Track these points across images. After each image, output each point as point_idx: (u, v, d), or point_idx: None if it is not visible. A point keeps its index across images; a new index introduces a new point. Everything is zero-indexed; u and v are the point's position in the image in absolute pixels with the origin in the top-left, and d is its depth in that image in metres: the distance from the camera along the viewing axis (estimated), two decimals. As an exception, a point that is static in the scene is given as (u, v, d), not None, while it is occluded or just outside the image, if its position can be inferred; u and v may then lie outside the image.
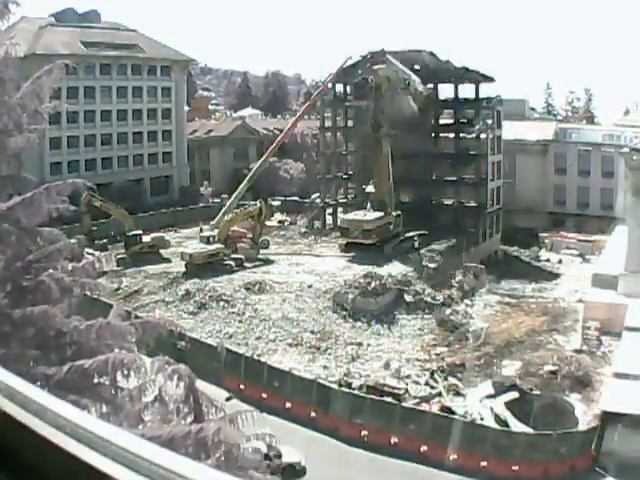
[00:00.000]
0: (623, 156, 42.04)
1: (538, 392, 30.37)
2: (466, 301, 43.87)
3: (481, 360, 35.04)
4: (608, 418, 25.56)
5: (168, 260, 49.95)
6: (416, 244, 49.61)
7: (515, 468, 25.61)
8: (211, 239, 48.62)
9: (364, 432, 27.72)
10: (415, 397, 30.71)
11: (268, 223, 54.54)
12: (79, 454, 1.48)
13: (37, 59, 50.37)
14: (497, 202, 59.44)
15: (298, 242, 57.55)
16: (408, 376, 32.75)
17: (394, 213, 51.45)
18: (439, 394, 31.07)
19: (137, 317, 15.87)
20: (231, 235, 50.32)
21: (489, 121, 58.07)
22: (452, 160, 57.86)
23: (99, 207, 53.70)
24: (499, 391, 30.44)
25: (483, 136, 57.20)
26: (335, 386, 30.74)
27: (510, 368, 33.32)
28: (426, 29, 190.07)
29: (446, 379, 32.41)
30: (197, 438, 9.41)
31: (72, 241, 13.68)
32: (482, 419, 28.29)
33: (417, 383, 32.09)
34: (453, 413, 28.46)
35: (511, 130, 62.31)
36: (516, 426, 27.62)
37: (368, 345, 36.83)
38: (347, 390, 30.43)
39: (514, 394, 29.93)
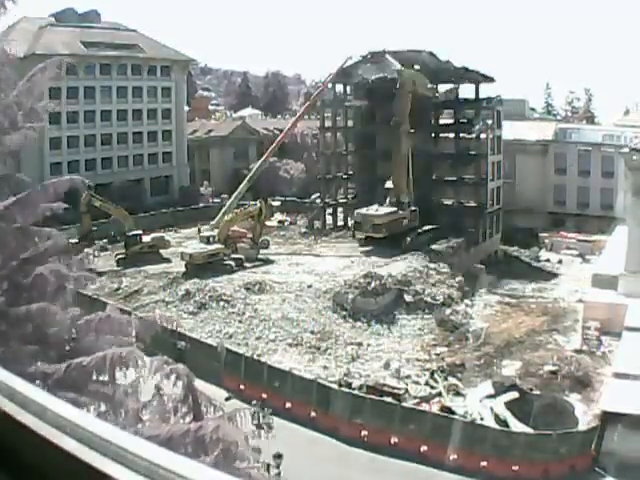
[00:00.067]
0: (623, 156, 42.03)
1: (538, 392, 30.36)
2: (466, 301, 43.86)
3: (481, 360, 35.03)
4: (608, 418, 25.55)
5: (168, 260, 49.96)
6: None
7: (515, 468, 25.62)
8: (211, 239, 48.62)
9: (364, 432, 27.71)
10: (415, 397, 30.70)
11: (268, 223, 54.56)
12: (79, 454, 1.48)
13: (37, 59, 50.18)
14: (497, 202, 59.41)
15: (298, 242, 57.56)
16: (408, 376, 32.74)
17: (412, 208, 52.31)
18: (439, 394, 31.06)
19: (136, 315, 15.86)
20: (231, 235, 50.33)
21: (489, 121, 58.06)
22: (452, 160, 57.85)
23: (99, 207, 53.73)
24: (499, 391, 30.44)
25: (483, 136, 57.17)
26: (335, 386, 30.73)
27: (510, 368, 33.32)
28: (426, 29, 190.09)
29: (446, 379, 32.41)
30: (196, 436, 9.41)
31: (72, 241, 13.71)
32: (482, 419, 28.28)
33: (417, 383, 32.07)
34: (453, 413, 28.45)
35: (511, 130, 62.29)
36: (516, 426, 27.61)
37: (368, 345, 36.82)
38: (347, 390, 30.42)
39: (514, 394, 29.92)
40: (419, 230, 51.27)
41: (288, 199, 70.29)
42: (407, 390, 31.02)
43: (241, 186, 59.20)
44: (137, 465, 1.45)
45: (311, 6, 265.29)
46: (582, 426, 27.48)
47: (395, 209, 51.40)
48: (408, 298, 41.61)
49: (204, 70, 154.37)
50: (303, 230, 61.53)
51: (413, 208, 52.85)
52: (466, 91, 59.08)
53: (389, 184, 52.91)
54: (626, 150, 41.18)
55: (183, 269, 46.19)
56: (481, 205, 56.66)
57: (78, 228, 50.39)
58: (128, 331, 11.31)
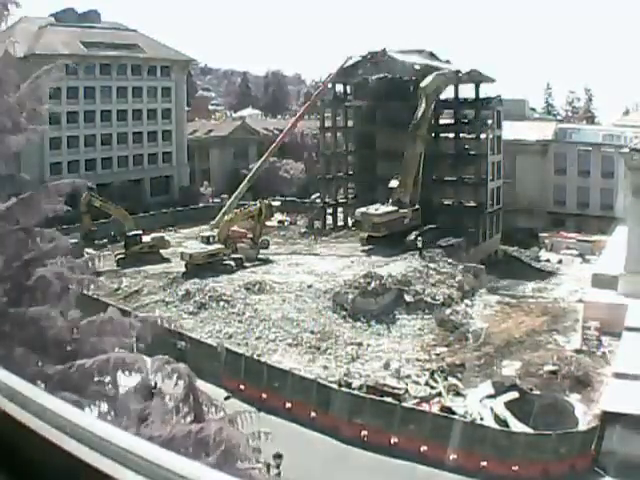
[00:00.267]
0: (623, 156, 42.02)
1: (538, 392, 30.36)
2: (466, 301, 43.84)
3: (481, 360, 35.02)
4: (608, 418, 25.56)
5: (168, 260, 49.95)
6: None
7: (515, 468, 25.62)
8: (211, 239, 48.62)
9: (364, 432, 27.71)
10: (415, 397, 30.70)
11: (268, 223, 54.54)
12: (79, 454, 1.48)
13: (37, 59, 50.35)
14: (497, 202, 59.43)
15: (298, 242, 57.58)
16: (408, 376, 32.74)
17: (414, 207, 52.61)
18: (439, 394, 31.06)
19: (136, 316, 15.85)
20: (231, 235, 50.32)
21: (489, 121, 58.11)
22: (452, 160, 57.89)
23: (99, 207, 53.77)
24: (499, 391, 30.43)
25: (483, 136, 57.23)
26: (335, 386, 30.73)
27: (510, 368, 33.31)
28: (426, 29, 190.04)
29: (446, 379, 32.40)
30: (197, 438, 9.41)
31: (72, 241, 13.70)
32: (482, 419, 28.28)
33: (417, 383, 32.08)
34: (453, 413, 28.46)
35: (511, 130, 62.29)
36: (516, 426, 27.61)
37: (368, 345, 36.82)
38: (347, 390, 30.42)
39: (514, 394, 29.92)
40: (418, 231, 51.19)
41: (288, 199, 70.26)
42: (407, 390, 31.02)
43: (241, 186, 59.24)
44: (137, 465, 1.45)
45: (311, 6, 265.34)
46: (582, 426, 27.48)
47: (395, 208, 51.47)
48: (408, 298, 41.61)
49: (204, 70, 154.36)
50: (303, 230, 61.55)
51: (416, 207, 52.99)
52: (466, 91, 59.13)
53: (393, 183, 52.96)
54: (626, 150, 41.17)
55: (183, 269, 46.17)
56: (481, 205, 56.69)
57: (78, 228, 50.39)
58: (129, 333, 11.31)
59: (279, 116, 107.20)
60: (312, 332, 37.60)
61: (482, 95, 58.26)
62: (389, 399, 29.21)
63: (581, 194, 67.08)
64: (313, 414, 29.19)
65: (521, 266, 55.66)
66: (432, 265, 45.84)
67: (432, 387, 31.67)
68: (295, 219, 65.57)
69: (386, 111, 59.36)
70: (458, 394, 31.25)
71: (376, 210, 51.52)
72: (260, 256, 50.36)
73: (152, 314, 34.52)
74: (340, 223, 62.58)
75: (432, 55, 60.77)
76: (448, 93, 59.67)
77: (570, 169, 67.43)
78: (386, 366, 34.11)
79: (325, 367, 34.12)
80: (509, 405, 29.03)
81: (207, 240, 48.49)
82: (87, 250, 41.59)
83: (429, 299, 41.94)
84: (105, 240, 53.79)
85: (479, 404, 29.75)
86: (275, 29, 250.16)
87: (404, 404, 29.11)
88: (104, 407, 10.41)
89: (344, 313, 39.91)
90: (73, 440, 1.52)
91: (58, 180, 12.69)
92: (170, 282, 44.15)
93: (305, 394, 29.90)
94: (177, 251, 50.00)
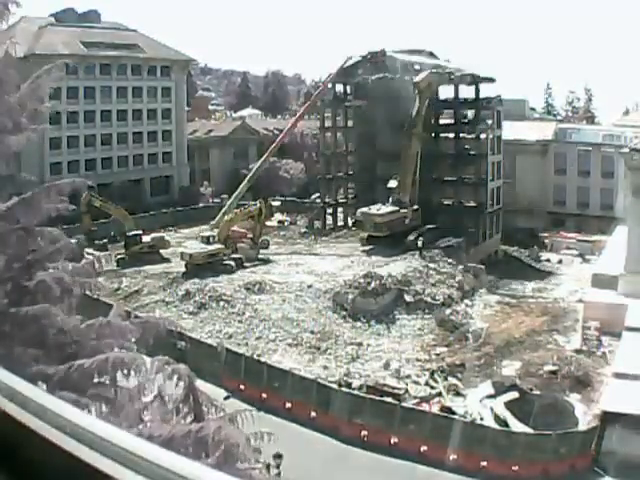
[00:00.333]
0: (623, 156, 42.04)
1: (538, 392, 30.36)
2: (466, 301, 43.85)
3: (481, 360, 35.02)
4: (608, 418, 25.56)
5: (168, 260, 49.96)
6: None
7: (515, 468, 25.62)
8: (211, 239, 48.63)
9: (364, 432, 27.72)
10: (415, 397, 30.71)
11: (268, 223, 54.57)
12: (79, 454, 1.48)
13: (37, 59, 50.41)
14: (497, 202, 59.42)
15: (298, 242, 57.59)
16: (408, 376, 32.75)
17: (414, 207, 52.71)
18: (439, 394, 31.07)
19: (137, 317, 15.87)
20: (231, 235, 50.33)
21: (489, 121, 58.11)
22: (452, 160, 57.90)
23: (99, 207, 53.79)
24: (499, 391, 30.44)
25: (483, 136, 57.23)
26: (335, 386, 30.74)
27: (510, 368, 33.31)
28: (426, 29, 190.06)
29: (446, 379, 32.41)
30: (197, 437, 9.41)
31: (72, 241, 13.67)
32: (482, 419, 28.29)
33: (417, 383, 32.08)
34: (453, 413, 28.46)
35: (511, 130, 62.27)
36: (516, 426, 27.61)
37: (368, 345, 36.82)
38: (347, 390, 30.43)
39: (514, 394, 29.92)
40: (418, 231, 51.25)
41: (288, 199, 70.29)
42: (407, 390, 31.03)
43: (241, 186, 59.24)
44: (137, 465, 1.45)
45: (311, 6, 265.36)
46: (582, 426, 27.49)
47: (397, 208, 51.59)
48: (408, 298, 41.62)
49: (204, 70, 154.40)
50: (303, 230, 61.55)
51: (416, 207, 53.05)
52: (466, 91, 59.14)
53: (392, 183, 53.01)
54: (626, 150, 41.18)
55: (183, 269, 46.18)
56: (481, 205, 56.70)
57: (78, 228, 50.38)
58: (130, 335, 11.29)
59: (279, 116, 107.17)
60: (312, 332, 37.61)
61: (482, 95, 58.28)
62: (389, 399, 29.20)
63: (581, 194, 67.06)
64: (313, 414, 29.19)
65: (521, 266, 55.63)
66: (432, 265, 45.86)
67: (432, 387, 31.67)
68: (295, 219, 65.57)
69: (386, 111, 59.34)
70: (458, 394, 31.26)
71: (378, 210, 51.63)
72: (260, 256, 50.36)
73: (152, 314, 34.64)
74: (340, 223, 62.58)
75: (432, 55, 60.83)
76: (448, 93, 59.73)
77: (570, 169, 67.40)
78: (386, 366, 34.12)
79: (325, 367, 34.13)
80: (509, 405, 29.03)
81: (207, 240, 48.50)
82: (87, 250, 41.79)
83: (429, 299, 41.95)
84: (105, 240, 53.79)
85: (479, 404, 29.75)
86: (275, 29, 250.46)
87: (404, 404, 29.11)
88: (104, 408, 10.40)
89: (344, 313, 39.91)
90: (73, 440, 1.52)
91: (58, 180, 12.67)
92: (170, 282, 44.15)
93: (305, 394, 29.89)
94: (177, 251, 50.01)
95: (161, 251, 51.63)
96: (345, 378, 32.14)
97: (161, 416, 10.52)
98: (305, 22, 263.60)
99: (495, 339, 37.86)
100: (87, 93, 69.19)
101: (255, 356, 33.84)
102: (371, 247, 50.37)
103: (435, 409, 29.34)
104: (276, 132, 76.63)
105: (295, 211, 66.87)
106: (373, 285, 41.29)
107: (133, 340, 11.42)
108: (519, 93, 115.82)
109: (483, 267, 49.17)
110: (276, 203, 61.01)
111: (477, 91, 58.31)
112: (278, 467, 22.28)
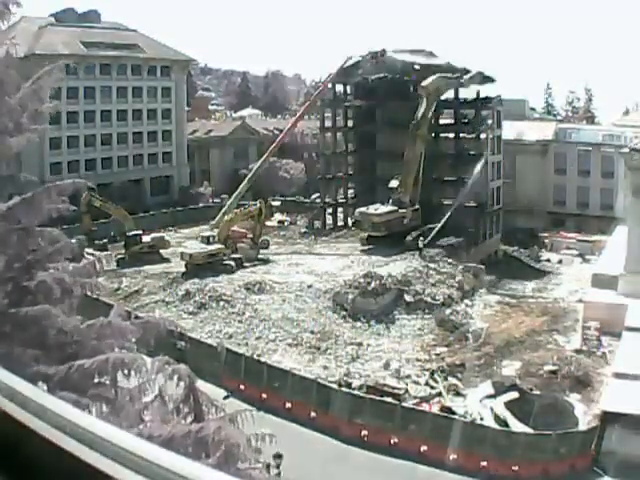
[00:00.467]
0: (623, 156, 42.04)
1: (538, 392, 30.37)
2: (466, 301, 43.83)
3: (481, 360, 35.02)
4: (608, 418, 25.56)
5: (168, 260, 49.95)
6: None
7: (515, 468, 25.62)
8: (211, 239, 48.63)
9: (364, 432, 27.72)
10: (415, 397, 30.71)
11: (268, 223, 54.57)
12: (79, 454, 1.49)
13: (37, 59, 50.37)
14: (497, 202, 59.45)
15: (298, 242, 57.58)
16: (408, 376, 32.75)
17: (414, 207, 52.67)
18: (439, 394, 31.07)
19: (137, 317, 15.85)
20: (231, 235, 50.32)
21: (489, 121, 58.12)
22: (452, 160, 57.90)
23: (99, 207, 53.77)
24: (499, 391, 30.44)
25: (483, 136, 57.24)
26: (335, 386, 30.74)
27: (510, 368, 33.31)
28: (426, 29, 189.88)
29: (446, 379, 32.41)
30: (197, 437, 9.41)
31: (72, 241, 13.66)
32: (482, 419, 28.28)
33: (417, 383, 32.08)
34: (453, 413, 28.46)
35: (511, 130, 62.29)
36: (516, 426, 27.61)
37: (368, 345, 36.82)
38: (347, 390, 30.43)
39: (514, 394, 29.92)
40: (418, 231, 51.28)
41: (288, 199, 70.30)
42: (407, 390, 31.03)
43: (241, 186, 59.24)
44: (137, 465, 1.45)
45: (311, 6, 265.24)
46: (582, 426, 27.49)
47: (395, 208, 51.54)
48: (408, 298, 41.61)
49: (204, 70, 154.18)
50: (303, 230, 61.54)
51: (416, 207, 53.01)
52: (466, 91, 59.11)
53: (393, 183, 53.00)
54: (626, 150, 41.19)
55: (183, 269, 46.18)
56: (481, 205, 56.70)
57: (78, 228, 50.38)
58: (130, 335, 11.29)
59: (279, 116, 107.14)
60: (312, 332, 37.61)
61: (482, 95, 58.28)
62: (389, 399, 29.20)
63: (581, 194, 67.06)
64: (313, 414, 29.19)
65: (521, 266, 55.63)
66: (432, 265, 45.85)
67: (432, 387, 31.67)
68: (295, 219, 65.56)
69: (386, 111, 59.39)
70: (458, 394, 31.26)
71: (376, 210, 51.60)
72: (260, 256, 50.35)
73: (152, 314, 34.61)
74: (340, 223, 62.58)
75: (432, 55, 60.74)
76: (448, 93, 59.67)
77: (570, 169, 67.40)
78: (386, 366, 34.12)
79: (325, 367, 34.13)
80: (509, 405, 29.03)
81: (207, 240, 48.49)
82: (87, 250, 41.79)
83: (429, 299, 41.95)
84: (105, 240, 53.79)
85: (479, 404, 29.75)
86: (275, 29, 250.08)
87: (404, 404, 29.11)
88: (104, 408, 10.40)
89: (344, 313, 39.91)
90: (73, 440, 1.52)
91: (58, 180, 12.67)
92: (170, 282, 44.15)
93: (305, 394, 29.89)
94: (177, 251, 49.99)
95: (161, 251, 51.63)
96: (345, 378, 32.14)
97: (161, 416, 10.52)
98: (305, 22, 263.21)
99: (495, 339, 37.85)
100: (87, 93, 69.18)
101: (255, 356, 33.84)
102: (371, 247, 50.41)
103: (435, 409, 29.34)
104: (276, 132, 76.63)
105: (295, 211, 66.86)
106: (373, 285, 41.28)
107: (133, 340, 11.42)
108: (519, 93, 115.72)
109: (483, 267, 49.15)
110: (276, 203, 61.01)
111: (477, 91, 58.34)
112: (278, 467, 22.28)
